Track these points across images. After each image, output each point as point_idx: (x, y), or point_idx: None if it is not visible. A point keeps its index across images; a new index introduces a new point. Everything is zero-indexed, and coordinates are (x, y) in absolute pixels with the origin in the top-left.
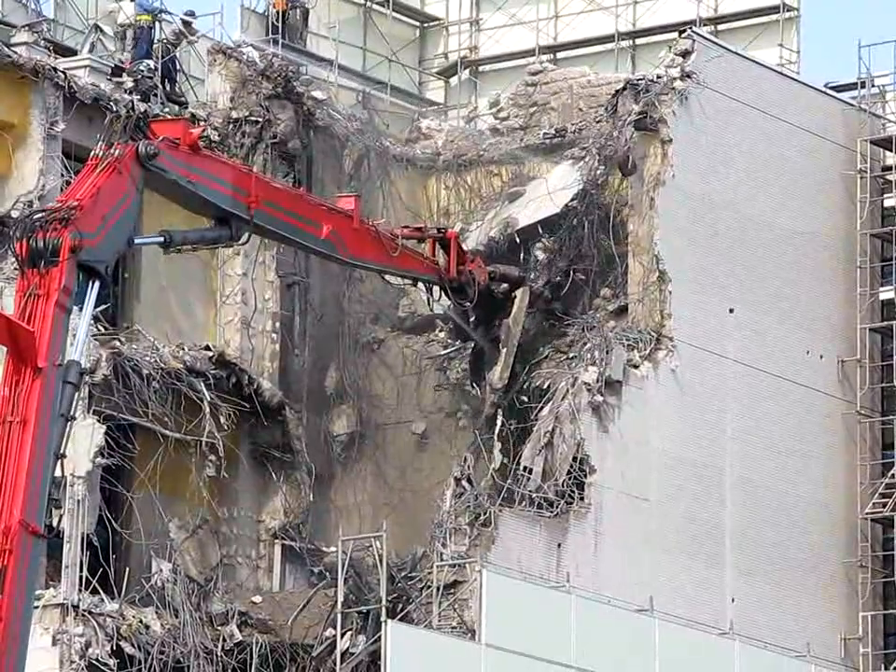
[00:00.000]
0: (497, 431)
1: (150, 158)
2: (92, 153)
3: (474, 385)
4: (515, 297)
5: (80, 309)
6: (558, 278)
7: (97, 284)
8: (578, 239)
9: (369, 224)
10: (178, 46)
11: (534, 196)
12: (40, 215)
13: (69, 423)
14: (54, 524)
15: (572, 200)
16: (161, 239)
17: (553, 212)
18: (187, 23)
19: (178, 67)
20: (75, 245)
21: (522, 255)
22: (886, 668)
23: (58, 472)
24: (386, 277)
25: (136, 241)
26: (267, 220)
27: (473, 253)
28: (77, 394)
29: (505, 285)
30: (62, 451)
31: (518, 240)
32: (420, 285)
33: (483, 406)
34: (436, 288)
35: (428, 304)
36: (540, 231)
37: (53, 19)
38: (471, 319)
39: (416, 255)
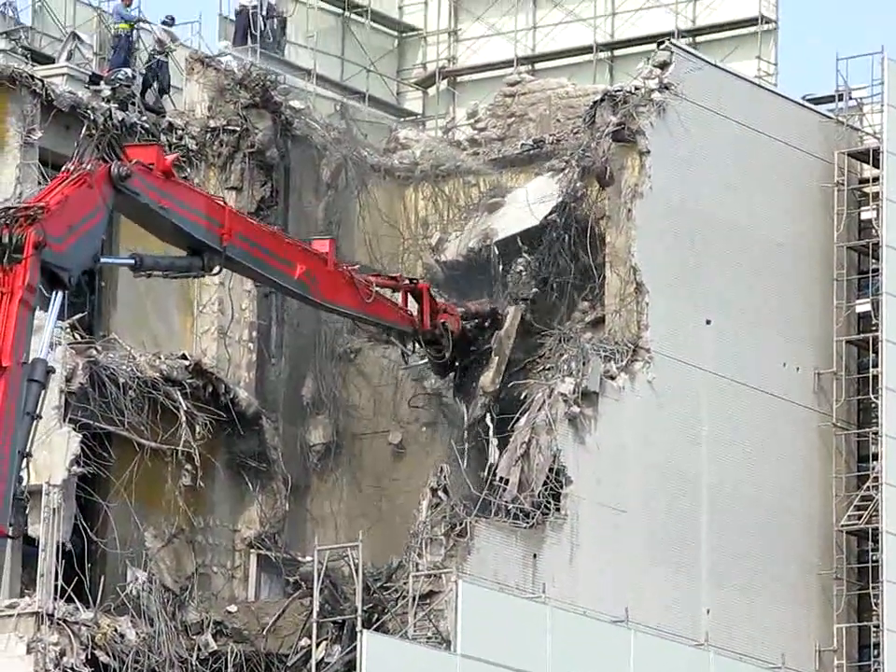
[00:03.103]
0: (491, 431)
1: (123, 179)
2: (64, 167)
3: (457, 399)
4: (507, 314)
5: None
6: (535, 290)
7: (60, 294)
8: (556, 251)
9: (343, 268)
10: (165, 53)
11: (513, 207)
12: (5, 212)
13: (35, 421)
14: (30, 532)
15: (552, 212)
16: (132, 262)
17: (533, 224)
18: (167, 29)
19: (168, 75)
20: (39, 241)
21: (501, 266)
22: None
23: (34, 480)
24: (361, 325)
25: (105, 260)
26: (240, 255)
27: (445, 302)
28: (43, 392)
29: (476, 321)
30: (28, 450)
31: (497, 251)
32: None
33: (472, 410)
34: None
35: (403, 358)
36: (520, 243)
37: (31, 26)
38: (445, 363)
39: (391, 304)
